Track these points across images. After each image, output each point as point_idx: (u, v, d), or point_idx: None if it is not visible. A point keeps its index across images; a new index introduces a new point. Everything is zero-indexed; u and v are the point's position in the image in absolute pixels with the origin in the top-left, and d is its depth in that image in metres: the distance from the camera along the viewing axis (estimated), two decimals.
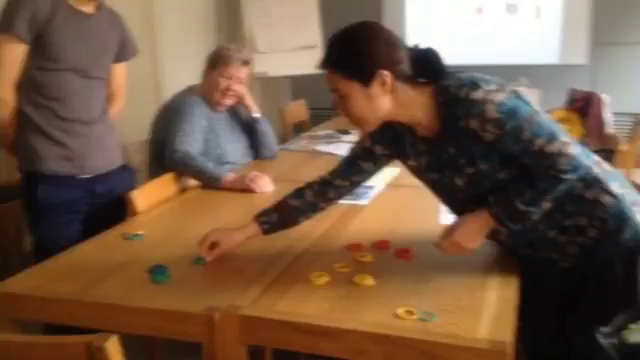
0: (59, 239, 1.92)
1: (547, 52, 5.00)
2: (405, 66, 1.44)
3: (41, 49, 1.91)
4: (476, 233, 1.49)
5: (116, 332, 1.36)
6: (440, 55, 1.45)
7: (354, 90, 1.44)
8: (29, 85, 1.96)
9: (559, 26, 4.94)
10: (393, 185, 2.35)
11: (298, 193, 1.70)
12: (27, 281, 1.52)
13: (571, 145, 1.38)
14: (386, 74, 1.41)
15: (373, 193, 2.25)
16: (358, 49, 1.43)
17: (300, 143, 3.24)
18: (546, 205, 1.43)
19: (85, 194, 2.08)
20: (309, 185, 1.71)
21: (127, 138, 2.82)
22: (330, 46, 1.47)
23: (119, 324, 1.38)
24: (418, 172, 1.62)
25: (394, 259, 1.64)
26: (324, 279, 1.50)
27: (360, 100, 1.44)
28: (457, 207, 1.59)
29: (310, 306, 1.37)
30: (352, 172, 1.68)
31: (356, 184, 1.70)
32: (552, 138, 1.37)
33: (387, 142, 1.62)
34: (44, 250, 1.82)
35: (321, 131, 3.59)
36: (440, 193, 1.62)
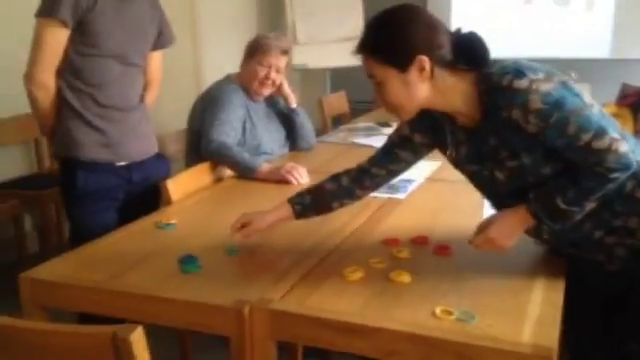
0: (95, 227, 1.90)
1: (599, 46, 4.82)
2: (446, 51, 1.36)
3: (82, 34, 1.90)
4: (512, 230, 1.41)
5: (145, 323, 1.35)
6: (484, 40, 1.37)
7: (390, 76, 1.37)
8: (68, 70, 1.95)
9: (611, 19, 4.75)
10: (433, 179, 2.28)
11: (334, 178, 1.65)
12: (58, 268, 1.50)
13: (622, 142, 1.28)
14: (424, 59, 1.34)
15: (412, 187, 2.18)
16: (395, 33, 1.36)
17: (338, 135, 3.18)
18: (590, 205, 1.34)
19: (122, 182, 2.07)
20: (346, 171, 1.66)
21: (166, 127, 2.82)
22: (366, 29, 1.41)
23: (147, 314, 1.35)
24: (457, 163, 1.54)
25: (432, 256, 1.57)
26: (358, 274, 1.44)
27: (397, 87, 1.38)
28: (498, 202, 1.51)
29: (343, 302, 1.31)
30: (389, 160, 1.61)
31: (393, 173, 1.64)
32: (601, 133, 1.27)
33: (426, 130, 1.54)
34: (81, 237, 1.81)
35: (361, 123, 3.51)
36: (480, 186, 1.54)
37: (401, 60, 1.35)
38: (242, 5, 5.78)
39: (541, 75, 1.30)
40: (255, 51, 2.58)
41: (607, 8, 4.75)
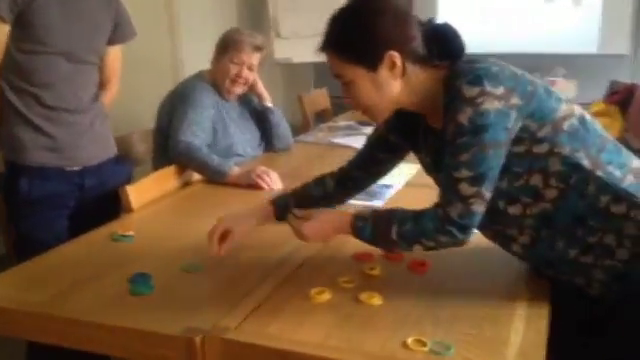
0: (44, 237, 1.76)
1: (586, 41, 4.71)
2: (417, 44, 1.24)
3: (23, 30, 1.74)
4: (326, 233, 1.36)
5: (87, 351, 1.22)
6: (459, 32, 1.26)
7: (359, 75, 1.25)
8: (10, 69, 1.79)
9: (599, 14, 4.65)
10: (413, 184, 2.15)
11: (319, 182, 1.56)
12: None
13: (482, 204, 1.19)
14: (395, 55, 1.22)
15: (390, 193, 2.05)
16: (361, 27, 1.24)
17: (317, 135, 3.04)
18: (418, 249, 1.25)
19: (73, 188, 1.91)
20: (330, 174, 1.56)
21: (144, 124, 2.65)
22: (330, 24, 1.28)
23: (89, 343, 1.22)
24: (426, 170, 1.43)
25: (407, 272, 1.45)
26: (325, 296, 1.31)
27: (367, 87, 1.26)
28: None
29: (306, 330, 1.19)
30: (369, 162, 1.52)
31: (375, 175, 1.55)
32: (477, 181, 1.17)
33: (401, 130, 1.43)
34: (26, 250, 1.66)
35: (342, 122, 3.38)
36: None
37: (370, 58, 1.23)
38: None
39: (500, 90, 1.17)
40: (227, 47, 2.44)
41: (594, 3, 4.64)
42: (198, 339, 1.14)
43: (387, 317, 1.24)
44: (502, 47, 4.83)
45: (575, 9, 4.74)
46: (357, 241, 1.60)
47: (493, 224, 1.30)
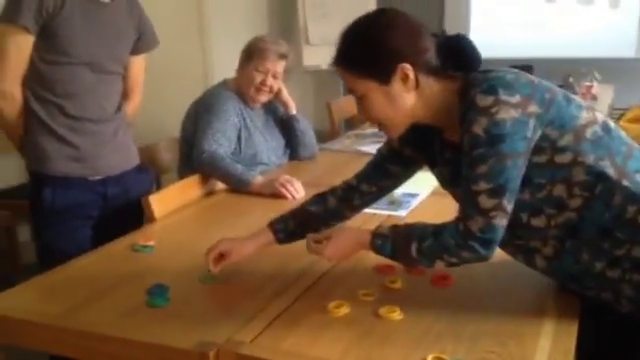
0: (67, 247, 1.76)
1: (624, 45, 4.58)
2: (431, 56, 1.21)
3: (48, 41, 1.75)
4: (347, 252, 1.32)
5: None
6: (473, 43, 1.22)
7: (372, 89, 1.22)
8: (35, 79, 1.80)
9: (637, 17, 4.52)
10: (439, 193, 2.08)
11: (319, 199, 1.51)
12: (13, 299, 1.36)
13: (505, 217, 1.14)
14: (407, 67, 1.19)
15: (415, 202, 2.00)
16: (372, 41, 1.21)
17: (343, 142, 3.01)
18: (439, 264, 1.20)
19: (96, 197, 1.92)
20: (332, 190, 1.51)
21: (174, 132, 2.65)
22: (341, 40, 1.25)
23: (102, 356, 1.21)
24: (443, 185, 1.38)
25: (430, 286, 1.40)
26: (343, 310, 1.28)
27: (380, 101, 1.22)
28: None
29: (322, 346, 1.15)
30: (379, 176, 1.46)
31: (385, 190, 1.49)
32: (497, 193, 1.13)
33: (415, 143, 1.38)
34: (50, 260, 1.67)
35: (369, 129, 3.33)
36: None
37: (381, 71, 1.20)
38: (252, 6, 5.63)
39: (516, 98, 1.13)
40: (251, 55, 2.42)
41: (633, 6, 4.52)
42: (212, 354, 1.12)
43: (407, 333, 1.19)
44: (537, 52, 4.75)
45: (612, 12, 4.62)
46: None
47: (515, 238, 1.25)
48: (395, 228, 1.26)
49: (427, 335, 1.18)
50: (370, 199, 1.49)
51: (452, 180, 1.31)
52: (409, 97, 1.22)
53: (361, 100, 1.24)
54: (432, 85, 1.22)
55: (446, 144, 1.30)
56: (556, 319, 1.22)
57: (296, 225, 1.47)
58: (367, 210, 1.89)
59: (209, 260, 1.44)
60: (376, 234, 1.27)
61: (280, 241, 1.48)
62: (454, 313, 1.26)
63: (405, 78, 1.20)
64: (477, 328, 1.20)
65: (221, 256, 1.45)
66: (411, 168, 1.45)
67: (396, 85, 1.20)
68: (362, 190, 1.47)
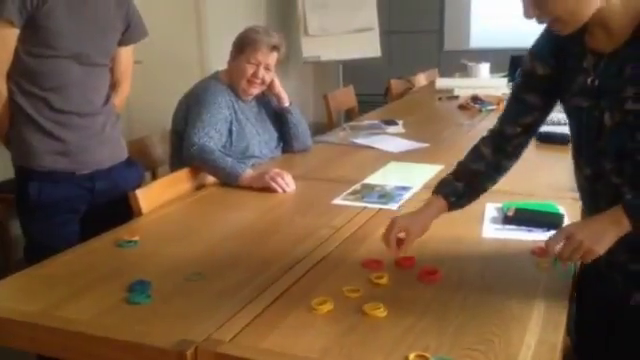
0: (53, 243, 1.73)
1: None
2: None
3: (33, 34, 1.72)
4: (603, 234, 1.16)
5: None
6: None
7: None
8: (20, 73, 1.77)
9: None
10: (432, 186, 2.05)
11: (475, 154, 1.48)
12: None
13: None
14: None
15: (406, 196, 1.98)
16: None
17: (338, 135, 2.97)
18: None
19: (83, 192, 1.89)
20: (482, 140, 1.49)
21: (169, 125, 2.62)
22: None
23: (81, 354, 1.19)
24: (569, 94, 1.31)
25: (417, 282, 1.37)
26: (327, 307, 1.25)
27: None
28: (588, 163, 1.30)
29: (303, 344, 1.13)
30: (519, 112, 1.43)
31: (528, 130, 1.44)
32: None
33: (548, 56, 1.34)
34: (36, 255, 1.64)
35: (366, 121, 3.30)
36: (578, 134, 1.32)
37: None
38: None
39: None
40: (243, 47, 2.39)
41: None
42: (189, 352, 1.10)
43: (390, 330, 1.17)
44: None
45: None
46: (367, 247, 1.56)
47: None
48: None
49: (411, 332, 1.15)
50: (520, 142, 1.45)
51: (584, 89, 1.26)
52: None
53: None
54: None
55: (588, 51, 1.25)
56: (543, 317, 1.19)
57: (464, 186, 1.45)
58: (357, 204, 1.90)
59: (392, 246, 1.41)
60: (629, 205, 1.17)
61: (452, 205, 1.46)
62: (439, 309, 1.24)
63: None
64: (462, 325, 1.17)
65: (400, 240, 1.42)
66: (545, 96, 1.39)
67: None
68: (508, 134, 1.44)
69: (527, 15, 1.19)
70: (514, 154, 1.46)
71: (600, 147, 1.25)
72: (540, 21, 1.21)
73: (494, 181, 1.48)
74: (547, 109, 1.42)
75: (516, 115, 1.43)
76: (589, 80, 1.25)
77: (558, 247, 1.20)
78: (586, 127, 1.28)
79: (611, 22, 1.18)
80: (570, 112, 1.35)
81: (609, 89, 1.21)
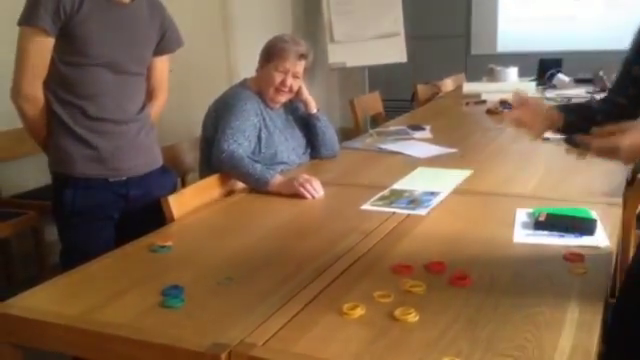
0: (88, 248, 1.77)
1: None
2: None
3: (68, 42, 1.77)
4: None
5: None
6: None
7: None
8: (56, 81, 1.82)
9: None
10: (461, 191, 2.06)
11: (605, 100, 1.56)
12: (32, 300, 1.37)
13: None
14: None
15: (436, 201, 1.97)
16: None
17: (365, 141, 2.98)
18: None
19: (117, 199, 1.93)
20: (597, 104, 1.57)
21: (198, 132, 2.67)
22: None
23: (117, 357, 1.21)
24: None
25: (448, 287, 1.37)
26: (358, 311, 1.26)
27: None
28: None
29: (335, 348, 1.13)
30: (627, 84, 1.49)
31: (635, 102, 1.48)
32: None
33: None
34: (72, 261, 1.67)
35: (392, 127, 3.31)
36: None
37: None
38: (277, 4, 5.64)
39: None
40: (271, 56, 2.42)
41: None
42: (224, 356, 1.11)
43: (422, 335, 1.17)
44: (567, 45, 4.63)
45: None
46: (397, 252, 1.56)
47: None
48: None
49: (443, 337, 1.15)
50: (627, 114, 1.45)
51: None
52: None
53: None
54: None
55: None
56: (577, 322, 1.18)
57: (576, 117, 1.52)
58: (386, 209, 1.91)
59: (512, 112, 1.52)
60: None
61: (566, 124, 1.52)
62: (471, 315, 1.23)
63: None
64: (494, 330, 1.17)
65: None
66: None
67: None
68: (618, 102, 1.49)
69: None
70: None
71: None
72: None
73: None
74: None
75: (625, 87, 1.49)
76: None
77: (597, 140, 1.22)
78: None
79: None
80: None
81: None
